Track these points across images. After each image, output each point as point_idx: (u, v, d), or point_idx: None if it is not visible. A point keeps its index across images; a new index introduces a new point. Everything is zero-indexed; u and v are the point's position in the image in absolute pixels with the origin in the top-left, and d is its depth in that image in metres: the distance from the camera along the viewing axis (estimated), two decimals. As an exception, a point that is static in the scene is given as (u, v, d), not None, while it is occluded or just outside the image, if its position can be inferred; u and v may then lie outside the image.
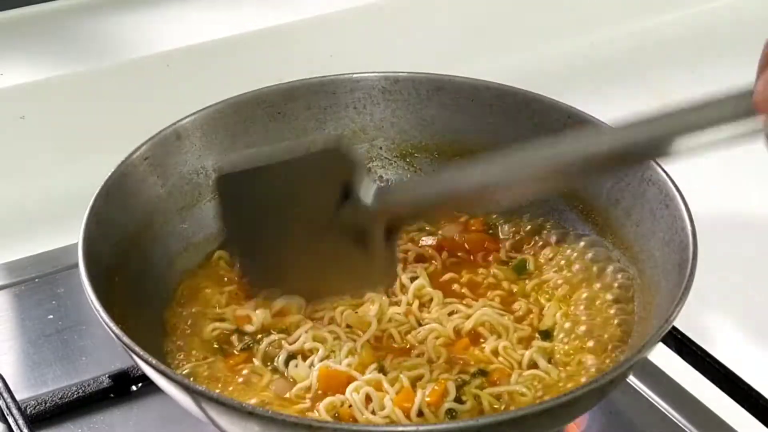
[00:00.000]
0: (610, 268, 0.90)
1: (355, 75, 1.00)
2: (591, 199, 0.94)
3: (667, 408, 0.92)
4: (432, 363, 0.83)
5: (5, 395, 0.88)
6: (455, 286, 0.91)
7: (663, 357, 0.93)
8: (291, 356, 0.84)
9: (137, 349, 0.73)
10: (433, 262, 0.93)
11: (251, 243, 0.83)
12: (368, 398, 0.80)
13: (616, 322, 0.86)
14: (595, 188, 0.93)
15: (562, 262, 0.93)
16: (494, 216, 0.98)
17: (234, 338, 0.86)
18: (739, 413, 0.89)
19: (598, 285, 0.90)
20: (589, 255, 0.92)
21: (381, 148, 1.02)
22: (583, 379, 0.81)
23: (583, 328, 0.86)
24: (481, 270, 0.93)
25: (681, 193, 0.85)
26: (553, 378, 0.82)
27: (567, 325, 0.87)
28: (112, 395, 0.92)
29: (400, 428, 0.76)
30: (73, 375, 0.95)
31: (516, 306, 0.89)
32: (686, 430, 0.90)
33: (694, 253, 0.79)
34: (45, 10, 1.35)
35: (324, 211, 0.79)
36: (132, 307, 0.84)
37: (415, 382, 0.81)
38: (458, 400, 0.80)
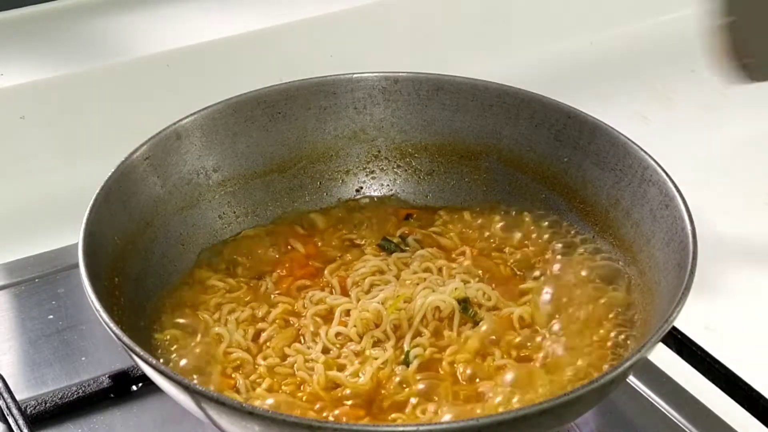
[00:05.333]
0: (609, 268, 0.90)
1: (355, 75, 1.00)
2: (591, 199, 0.94)
3: (667, 408, 0.92)
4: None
5: (5, 395, 0.88)
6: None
7: (663, 357, 0.92)
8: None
9: (137, 349, 0.73)
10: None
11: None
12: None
13: (615, 321, 0.86)
14: (595, 188, 0.93)
15: (561, 260, 0.93)
16: (497, 217, 0.98)
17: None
18: (739, 413, 0.89)
19: (597, 284, 0.90)
20: (589, 255, 0.92)
21: (381, 148, 1.02)
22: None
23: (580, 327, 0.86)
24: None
25: (681, 193, 0.85)
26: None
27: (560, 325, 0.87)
28: (112, 395, 0.92)
29: (400, 428, 0.76)
30: (73, 375, 0.95)
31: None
32: (686, 430, 0.90)
33: (694, 253, 0.79)
34: (45, 10, 1.35)
35: None
36: (132, 307, 0.85)
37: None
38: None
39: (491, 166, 0.99)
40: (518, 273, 0.93)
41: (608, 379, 0.72)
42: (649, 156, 0.89)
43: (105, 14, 1.35)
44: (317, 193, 1.01)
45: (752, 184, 1.25)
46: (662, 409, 0.92)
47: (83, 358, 0.98)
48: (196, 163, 0.95)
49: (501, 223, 0.98)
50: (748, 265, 1.12)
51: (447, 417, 0.79)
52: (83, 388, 0.92)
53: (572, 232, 0.95)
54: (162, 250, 0.91)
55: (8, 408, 0.87)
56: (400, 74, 1.01)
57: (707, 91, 1.45)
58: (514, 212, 0.98)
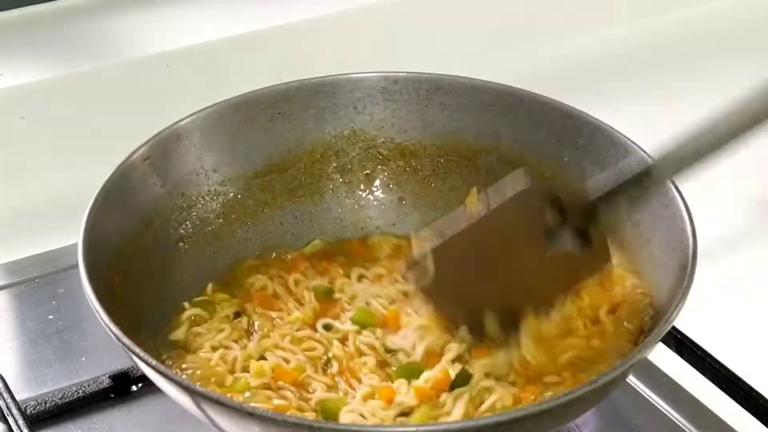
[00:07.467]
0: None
1: (354, 75, 1.00)
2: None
3: (667, 408, 0.92)
4: None
5: (5, 395, 0.89)
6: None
7: (663, 357, 0.93)
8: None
9: (137, 350, 0.73)
10: None
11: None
12: None
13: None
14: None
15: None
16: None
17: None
18: (739, 413, 0.89)
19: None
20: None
21: (380, 148, 1.02)
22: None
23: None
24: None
25: (681, 193, 0.85)
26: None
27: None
28: (112, 395, 0.93)
29: (400, 429, 0.77)
30: (73, 375, 0.95)
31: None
32: (686, 430, 0.90)
33: (694, 254, 0.79)
34: (45, 10, 1.35)
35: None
36: (132, 308, 0.84)
37: None
38: None
39: (491, 166, 0.99)
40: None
41: (608, 380, 0.72)
42: (650, 156, 0.89)
43: (105, 14, 1.35)
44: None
45: (753, 184, 1.25)
46: (662, 409, 0.92)
47: (83, 358, 0.98)
48: (196, 164, 0.95)
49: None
50: (748, 265, 1.12)
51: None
52: (83, 388, 0.92)
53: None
54: (162, 250, 0.91)
55: (8, 408, 0.87)
56: (400, 74, 1.00)
57: (708, 91, 1.44)
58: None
